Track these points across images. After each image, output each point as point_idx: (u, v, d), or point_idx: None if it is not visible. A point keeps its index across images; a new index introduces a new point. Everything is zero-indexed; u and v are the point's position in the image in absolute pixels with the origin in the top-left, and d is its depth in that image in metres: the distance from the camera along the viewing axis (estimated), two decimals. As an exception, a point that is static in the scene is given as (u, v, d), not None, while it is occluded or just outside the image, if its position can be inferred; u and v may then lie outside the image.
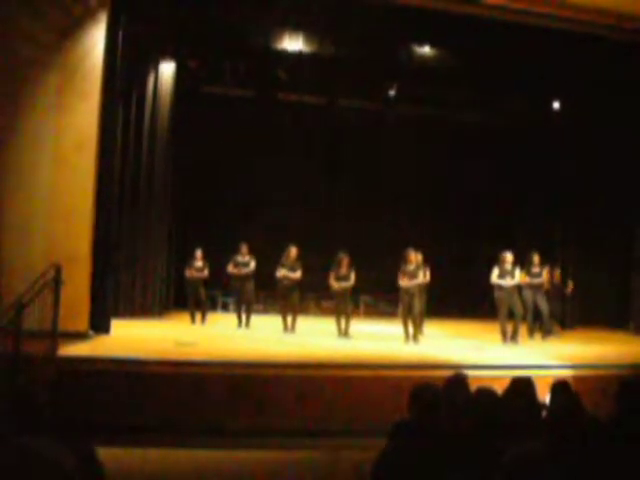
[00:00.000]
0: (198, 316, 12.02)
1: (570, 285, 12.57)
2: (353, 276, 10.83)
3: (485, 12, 10.27)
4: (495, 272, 10.37)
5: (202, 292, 12.07)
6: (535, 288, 10.99)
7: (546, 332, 11.19)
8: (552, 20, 10.32)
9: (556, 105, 14.83)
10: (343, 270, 10.81)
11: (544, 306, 11.04)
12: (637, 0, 10.06)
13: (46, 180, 9.08)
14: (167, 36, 12.36)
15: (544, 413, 4.17)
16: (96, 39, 9.35)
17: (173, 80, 13.12)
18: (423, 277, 10.60)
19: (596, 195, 13.85)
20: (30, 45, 9.03)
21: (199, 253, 11.94)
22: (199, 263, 11.91)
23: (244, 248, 11.57)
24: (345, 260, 10.84)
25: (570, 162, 14.35)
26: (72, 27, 9.28)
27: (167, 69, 13.03)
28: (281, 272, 11.10)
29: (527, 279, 10.85)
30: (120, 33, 9.69)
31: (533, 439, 2.94)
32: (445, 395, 4.16)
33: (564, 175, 14.58)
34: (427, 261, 11.01)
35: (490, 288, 10.47)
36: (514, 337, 10.36)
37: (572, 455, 2.82)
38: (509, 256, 10.41)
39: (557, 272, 12.45)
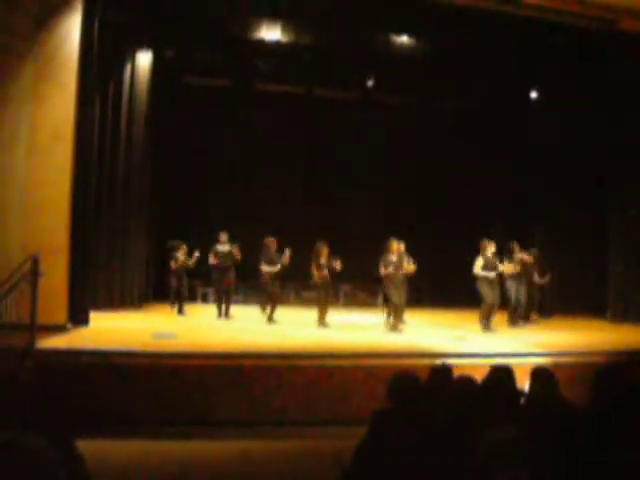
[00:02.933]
0: (177, 307, 11.96)
1: (547, 276, 12.68)
2: (338, 264, 10.82)
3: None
4: (479, 262, 10.42)
5: (185, 283, 12.06)
6: (515, 277, 11.07)
7: (525, 321, 11.28)
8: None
9: (534, 95, 14.94)
10: (322, 260, 10.82)
11: (523, 295, 11.13)
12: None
13: (22, 171, 8.97)
14: (144, 25, 12.24)
15: (523, 400, 4.21)
16: (72, 27, 9.22)
17: (150, 69, 12.98)
18: (406, 267, 10.63)
19: (572, 183, 13.95)
20: (5, 34, 8.90)
21: (184, 247, 12.00)
22: (184, 256, 11.96)
23: (224, 237, 11.52)
24: (324, 250, 10.84)
25: (544, 148, 14.43)
26: (47, 15, 9.15)
27: (144, 58, 12.88)
28: (262, 265, 11.08)
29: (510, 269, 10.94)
30: (96, 21, 9.56)
31: (510, 425, 2.97)
32: (428, 384, 4.20)
33: (538, 164, 14.66)
34: (409, 251, 11.03)
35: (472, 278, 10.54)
36: (491, 325, 10.43)
37: (546, 441, 2.85)
38: (492, 246, 10.49)
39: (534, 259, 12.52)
